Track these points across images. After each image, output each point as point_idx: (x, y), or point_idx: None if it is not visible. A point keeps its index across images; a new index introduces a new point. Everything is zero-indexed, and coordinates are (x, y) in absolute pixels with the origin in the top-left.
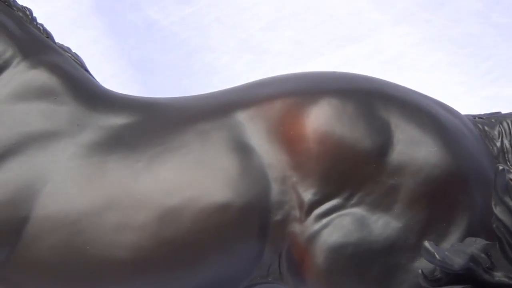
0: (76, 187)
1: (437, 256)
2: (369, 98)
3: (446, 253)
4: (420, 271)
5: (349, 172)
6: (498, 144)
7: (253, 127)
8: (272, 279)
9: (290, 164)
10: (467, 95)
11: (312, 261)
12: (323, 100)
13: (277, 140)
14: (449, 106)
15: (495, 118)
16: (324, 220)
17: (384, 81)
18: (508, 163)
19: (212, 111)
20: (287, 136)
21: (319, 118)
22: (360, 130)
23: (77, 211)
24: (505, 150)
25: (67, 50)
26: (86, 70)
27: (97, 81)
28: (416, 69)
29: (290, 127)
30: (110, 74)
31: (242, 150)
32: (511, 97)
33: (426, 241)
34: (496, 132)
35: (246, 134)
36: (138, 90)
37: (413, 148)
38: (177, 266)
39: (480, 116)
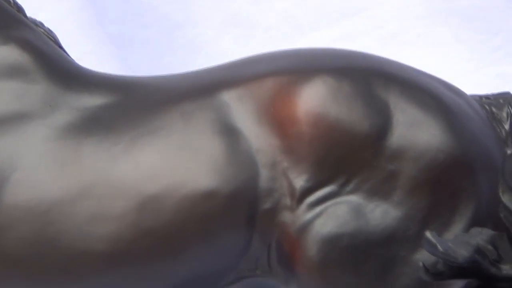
0: (49, 173)
1: (439, 247)
2: (367, 77)
3: (450, 244)
4: (421, 263)
5: (345, 157)
6: (507, 126)
7: (240, 108)
8: (260, 272)
9: (281, 148)
10: (474, 73)
11: (304, 253)
12: (317, 79)
13: (267, 122)
14: (454, 86)
15: (504, 99)
16: (317, 209)
17: (384, 58)
18: None
19: (196, 91)
20: (277, 118)
21: (313, 99)
22: (357, 111)
23: (49, 200)
24: None
25: (40, 25)
26: (60, 46)
27: (72, 58)
28: (419, 45)
29: (281, 108)
30: (86, 51)
31: (229, 133)
32: None
33: (428, 231)
34: (504, 114)
35: (233, 116)
36: (117, 68)
37: (414, 131)
38: (158, 258)
39: (487, 97)
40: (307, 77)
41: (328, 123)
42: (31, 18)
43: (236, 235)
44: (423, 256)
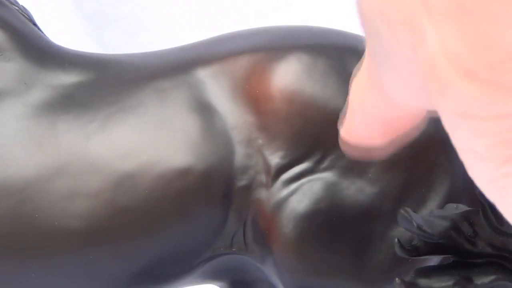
0: (24, 151)
1: (414, 223)
2: (342, 54)
3: (425, 220)
4: (396, 240)
5: (320, 134)
6: None
7: (215, 86)
8: (236, 249)
9: (256, 125)
10: None
11: (280, 231)
12: (292, 56)
13: (242, 99)
14: None
15: None
16: (292, 186)
17: (360, 36)
18: None
19: (171, 68)
20: (252, 95)
21: (288, 76)
22: (333, 88)
23: (25, 177)
24: None
25: (13, 2)
26: (35, 24)
27: (46, 36)
28: None
29: (256, 85)
30: (61, 29)
31: (203, 110)
32: None
33: (402, 208)
34: None
35: (208, 93)
36: (92, 46)
37: None
38: (134, 236)
39: None
40: (282, 54)
41: (303, 100)
42: None
43: (212, 212)
44: (398, 233)
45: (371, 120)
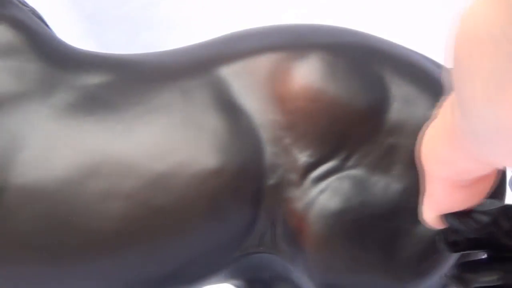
0: (54, 153)
1: (459, 219)
2: (362, 53)
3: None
4: (438, 235)
5: (346, 131)
6: None
7: (238, 85)
8: (264, 248)
9: (282, 124)
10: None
11: (312, 229)
12: (314, 55)
13: (266, 98)
14: (438, 62)
15: None
16: (322, 184)
17: (374, 35)
18: None
19: (192, 67)
20: (277, 93)
21: (312, 74)
22: (356, 86)
23: (58, 179)
24: None
25: (24, 3)
26: (46, 25)
27: (58, 37)
28: (394, 26)
29: (280, 84)
30: (60, 28)
31: (230, 109)
32: None
33: None
34: None
35: (232, 92)
36: (92, 45)
37: (409, 106)
38: (168, 237)
39: None
40: (304, 53)
41: (329, 98)
42: None
43: (243, 211)
44: (424, 229)
45: (450, 182)
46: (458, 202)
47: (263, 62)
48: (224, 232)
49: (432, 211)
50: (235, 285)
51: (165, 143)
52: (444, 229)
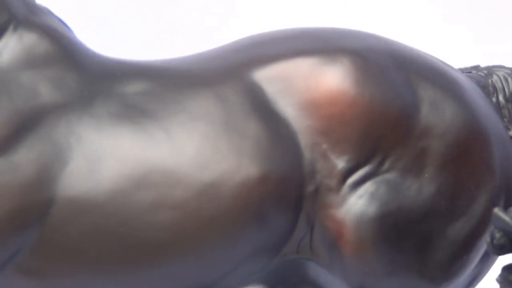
0: (100, 164)
1: (510, 221)
2: (388, 57)
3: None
4: (489, 238)
5: (380, 136)
6: (494, 99)
7: (273, 90)
8: (302, 254)
9: (319, 129)
10: (456, 52)
11: (352, 234)
12: (345, 60)
13: (301, 103)
14: (453, 67)
15: (484, 73)
16: (360, 189)
17: (394, 40)
18: (505, 119)
19: (225, 73)
20: (312, 99)
21: (347, 79)
22: (388, 91)
23: (107, 191)
24: (500, 105)
25: (49, 12)
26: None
27: (85, 44)
28: (402, 23)
29: (315, 89)
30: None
31: (268, 116)
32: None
33: (495, 208)
34: (490, 88)
35: (267, 98)
36: (99, 47)
37: (437, 109)
38: (219, 245)
39: (467, 71)
40: (336, 58)
41: (366, 103)
42: (42, 6)
43: (286, 218)
44: (456, 231)
45: None
46: None
47: (296, 67)
48: (267, 239)
49: None
50: None
51: (209, 151)
52: (492, 231)
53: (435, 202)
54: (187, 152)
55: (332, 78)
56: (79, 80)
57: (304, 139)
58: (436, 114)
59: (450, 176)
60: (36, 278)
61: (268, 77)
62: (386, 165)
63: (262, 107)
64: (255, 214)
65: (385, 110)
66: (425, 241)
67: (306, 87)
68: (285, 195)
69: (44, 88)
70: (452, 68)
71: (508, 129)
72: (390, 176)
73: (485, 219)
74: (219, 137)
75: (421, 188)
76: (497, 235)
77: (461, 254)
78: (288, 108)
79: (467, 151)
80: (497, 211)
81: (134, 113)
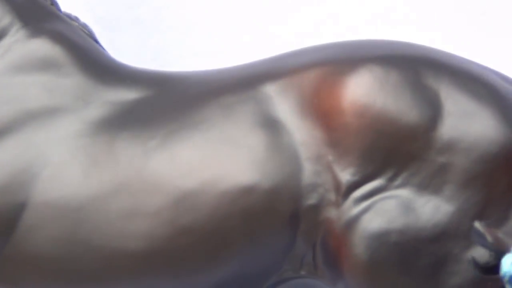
0: (80, 169)
1: (488, 238)
2: (416, 66)
3: (500, 235)
4: (471, 257)
5: (393, 149)
6: None
7: (283, 100)
8: (305, 272)
9: (325, 141)
10: (458, 53)
11: (351, 251)
12: (363, 68)
13: (310, 114)
14: (508, 76)
15: None
16: (364, 204)
17: (432, 48)
18: None
19: (237, 83)
20: (321, 109)
21: (359, 88)
22: (405, 101)
23: (81, 197)
24: None
25: (75, 19)
26: (96, 40)
27: (107, 52)
28: (404, 25)
29: (325, 99)
30: None
31: (270, 125)
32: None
33: (476, 222)
34: None
35: (275, 108)
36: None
37: (467, 122)
38: (196, 258)
39: None
40: (353, 67)
41: (374, 113)
42: (66, 13)
43: (279, 233)
44: (478, 254)
45: None
46: None
47: (309, 77)
48: (258, 254)
49: None
50: None
51: (197, 159)
52: (475, 248)
53: (454, 222)
54: (172, 159)
55: (343, 88)
56: (78, 86)
57: (308, 151)
58: (463, 128)
59: (475, 195)
60: (5, 285)
61: (280, 87)
62: (399, 180)
63: (267, 117)
64: (238, 227)
65: (398, 122)
66: (439, 263)
67: (317, 97)
68: (276, 207)
69: (33, 93)
70: (504, 79)
71: None
72: (402, 192)
73: None
74: (209, 145)
75: (439, 206)
76: (480, 252)
77: (483, 281)
78: (295, 119)
79: (498, 168)
80: (477, 225)
81: (128, 119)
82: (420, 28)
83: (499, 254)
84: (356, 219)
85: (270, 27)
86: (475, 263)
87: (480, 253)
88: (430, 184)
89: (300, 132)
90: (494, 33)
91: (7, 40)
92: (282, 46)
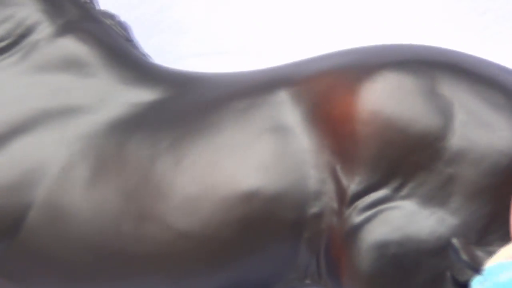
0: (89, 171)
1: (462, 255)
2: (432, 72)
3: (479, 253)
4: (448, 273)
5: (399, 158)
6: None
7: (295, 106)
8: (310, 281)
9: (334, 148)
10: None
11: (349, 262)
12: (377, 75)
13: (321, 120)
14: None
15: None
16: (367, 213)
17: (453, 50)
18: None
19: (256, 87)
20: (332, 116)
21: (369, 95)
22: (416, 109)
23: (86, 198)
24: None
25: (111, 17)
26: (129, 39)
27: (140, 52)
28: (404, 26)
29: (337, 106)
30: None
31: (279, 131)
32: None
33: (454, 238)
34: None
35: (287, 113)
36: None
37: (478, 132)
38: (194, 263)
39: None
40: (367, 73)
41: (382, 122)
42: (102, 10)
43: (280, 240)
44: (457, 271)
45: None
46: None
47: (324, 83)
48: (259, 262)
49: None
50: None
51: (201, 164)
52: (452, 265)
53: (459, 236)
54: (177, 164)
55: (355, 94)
56: (99, 87)
57: (315, 158)
58: (474, 139)
59: (482, 208)
60: (9, 281)
61: (294, 93)
62: (405, 190)
63: (277, 122)
64: (237, 233)
65: (406, 131)
66: (440, 278)
67: (329, 103)
68: (278, 214)
69: (51, 93)
70: None
71: None
72: (407, 203)
73: None
74: (215, 150)
75: (443, 219)
76: (458, 268)
77: None
78: (306, 125)
79: (507, 182)
80: (454, 240)
81: (145, 121)
82: (420, 28)
83: (477, 273)
84: (357, 228)
85: (271, 28)
86: (452, 279)
87: (460, 271)
88: (436, 196)
89: (310, 139)
90: (494, 33)
91: (33, 37)
92: (284, 46)
